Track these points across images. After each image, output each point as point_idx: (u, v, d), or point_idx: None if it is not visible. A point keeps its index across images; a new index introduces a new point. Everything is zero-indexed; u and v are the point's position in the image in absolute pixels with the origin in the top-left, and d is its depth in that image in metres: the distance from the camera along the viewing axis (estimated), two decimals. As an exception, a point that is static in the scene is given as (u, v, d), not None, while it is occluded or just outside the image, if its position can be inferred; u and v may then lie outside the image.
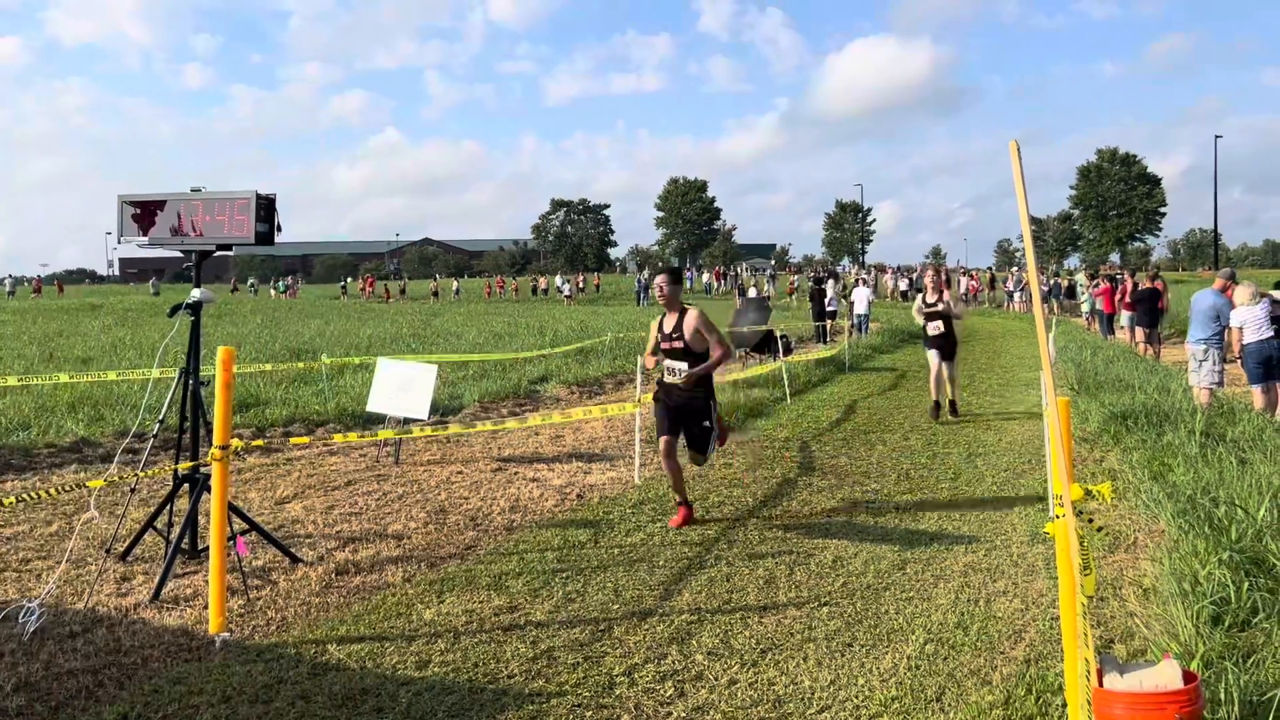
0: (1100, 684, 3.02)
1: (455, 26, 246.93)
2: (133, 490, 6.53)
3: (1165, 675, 2.97)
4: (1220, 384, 11.24)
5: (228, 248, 5.93)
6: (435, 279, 69.49)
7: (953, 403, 12.14)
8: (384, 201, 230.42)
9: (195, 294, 5.95)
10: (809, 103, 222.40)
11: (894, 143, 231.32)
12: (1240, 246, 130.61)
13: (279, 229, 5.83)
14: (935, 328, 11.98)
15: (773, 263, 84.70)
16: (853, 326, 25.41)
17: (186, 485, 5.96)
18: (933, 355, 12.06)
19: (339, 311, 42.61)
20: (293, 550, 6.15)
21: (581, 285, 63.53)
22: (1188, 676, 2.98)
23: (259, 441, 9.07)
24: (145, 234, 6.04)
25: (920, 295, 12.46)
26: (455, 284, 67.26)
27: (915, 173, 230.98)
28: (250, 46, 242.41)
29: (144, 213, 6.03)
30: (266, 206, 5.76)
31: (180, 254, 6.08)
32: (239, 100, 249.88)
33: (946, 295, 12.10)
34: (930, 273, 12.95)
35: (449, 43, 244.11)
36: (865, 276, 41.70)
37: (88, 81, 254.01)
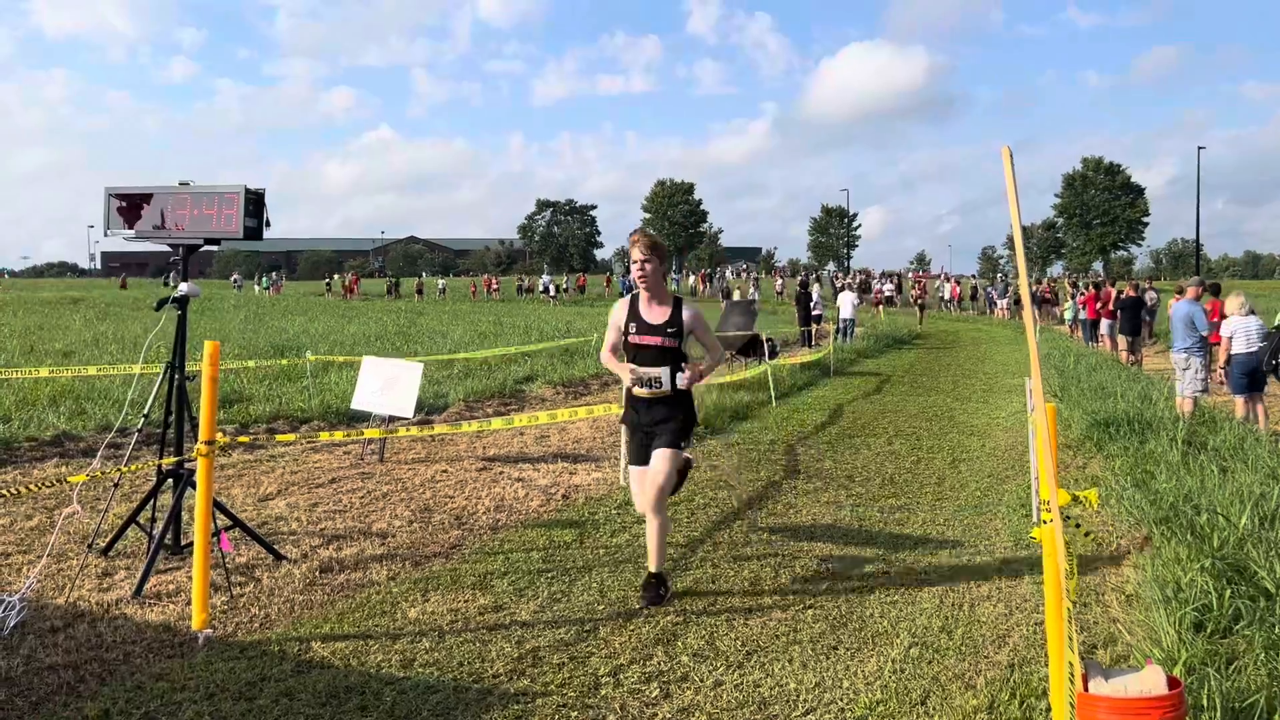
0: (1085, 689, 3.04)
1: (443, 25, 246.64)
2: (116, 485, 6.48)
3: (1149, 681, 2.99)
4: (1204, 391, 11.32)
5: (215, 242, 5.90)
6: (420, 277, 69.28)
7: (655, 577, 5.34)
8: (373, 199, 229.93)
9: (182, 288, 5.91)
10: (798, 107, 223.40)
11: (883, 149, 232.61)
12: (1221, 257, 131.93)
13: (268, 224, 5.80)
14: (648, 380, 5.29)
15: (745, 265, 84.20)
16: (838, 331, 25.50)
17: (170, 480, 5.92)
18: (634, 469, 5.49)
19: (324, 309, 42.43)
20: (276, 547, 6.12)
21: (566, 286, 63.31)
22: (1172, 682, 3.00)
23: (244, 438, 9.02)
24: (131, 227, 5.99)
25: (627, 303, 5.47)
26: (440, 282, 67.03)
27: (903, 179, 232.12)
28: (236, 41, 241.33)
29: (130, 206, 5.98)
30: (255, 201, 5.73)
31: (168, 248, 6.04)
32: (225, 95, 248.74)
33: (690, 310, 5.38)
34: (640, 246, 5.32)
35: (436, 41, 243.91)
36: (851, 282, 41.83)
37: (72, 73, 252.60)
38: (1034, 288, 38.03)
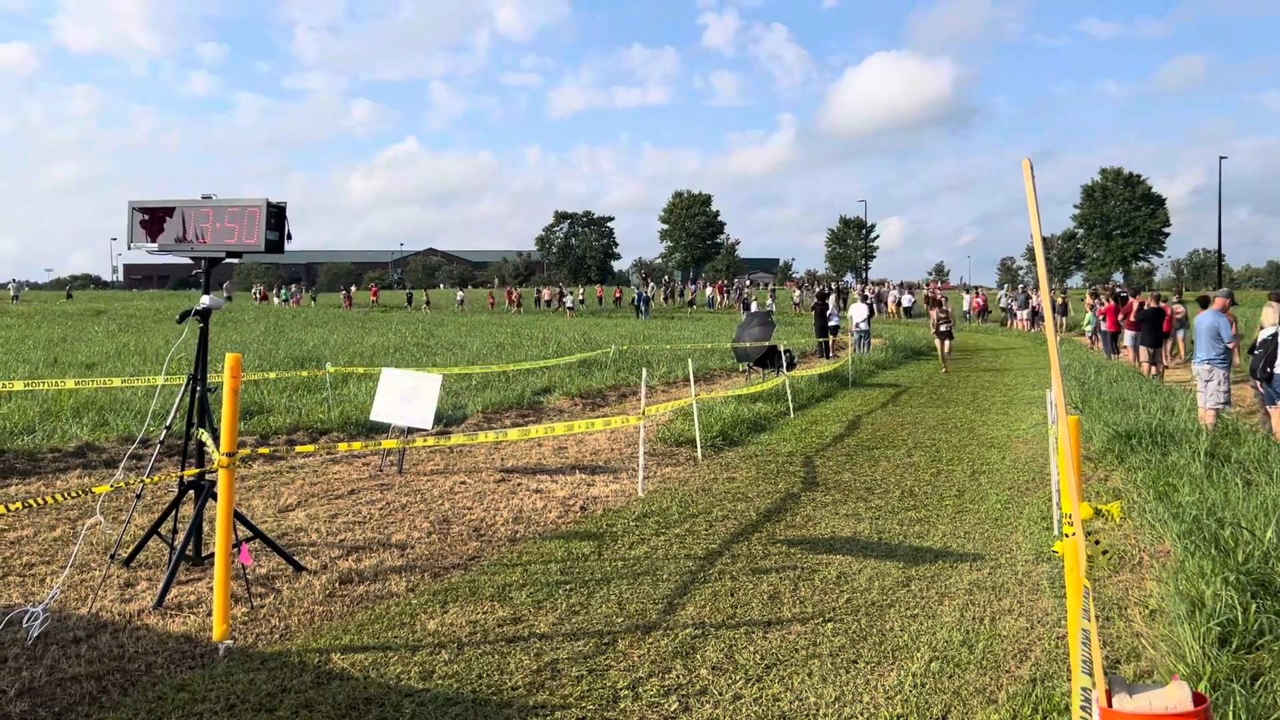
0: (1109, 705, 3.00)
1: (462, 38, 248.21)
2: (138, 496, 6.53)
3: (1175, 697, 2.96)
4: (1226, 404, 11.20)
5: (237, 255, 5.94)
6: (437, 288, 69.57)
7: None
8: (395, 211, 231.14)
9: (204, 300, 5.96)
10: (818, 118, 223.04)
11: (903, 160, 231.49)
12: (1244, 267, 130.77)
13: (289, 237, 5.84)
14: None
15: (750, 280, 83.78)
16: (853, 342, 25.42)
17: (191, 492, 5.95)
18: None
19: (343, 320, 42.62)
20: (296, 558, 6.15)
21: (583, 298, 63.47)
22: (1198, 698, 2.96)
23: (265, 449, 9.07)
24: (154, 240, 6.05)
25: None
26: (459, 294, 67.32)
27: (924, 190, 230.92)
28: (257, 55, 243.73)
29: (153, 219, 6.04)
30: (277, 215, 5.77)
31: (190, 260, 6.09)
32: (246, 108, 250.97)
33: None
34: None
35: (455, 54, 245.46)
36: (867, 293, 41.64)
37: (95, 88, 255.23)
38: (1057, 300, 37.75)
